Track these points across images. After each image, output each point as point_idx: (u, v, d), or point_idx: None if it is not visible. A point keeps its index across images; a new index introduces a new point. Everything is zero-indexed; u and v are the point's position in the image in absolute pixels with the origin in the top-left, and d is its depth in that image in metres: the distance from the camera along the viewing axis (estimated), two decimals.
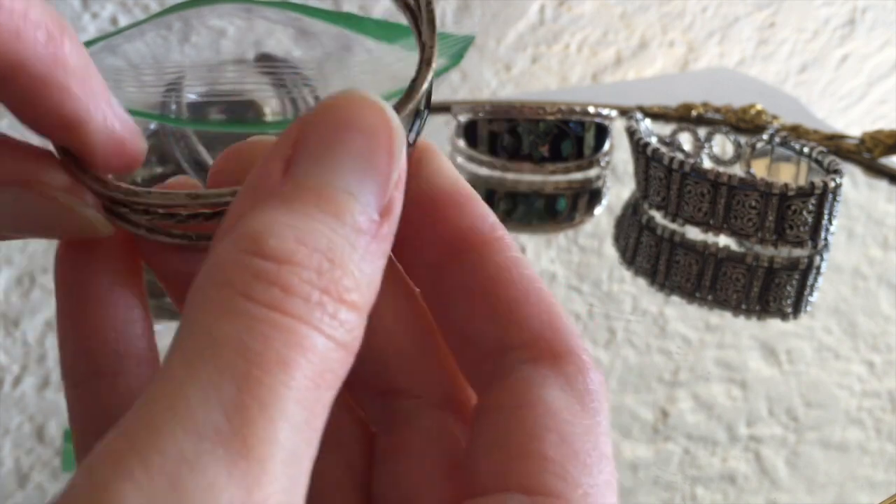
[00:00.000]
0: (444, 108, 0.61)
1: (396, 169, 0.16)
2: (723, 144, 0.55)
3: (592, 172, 0.57)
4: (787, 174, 0.54)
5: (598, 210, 0.57)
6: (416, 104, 0.18)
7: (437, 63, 0.18)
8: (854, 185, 0.58)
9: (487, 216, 0.19)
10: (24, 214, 0.19)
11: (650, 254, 0.52)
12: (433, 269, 0.19)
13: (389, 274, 0.17)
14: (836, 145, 0.60)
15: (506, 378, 0.18)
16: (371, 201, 0.16)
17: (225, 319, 0.14)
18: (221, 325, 0.14)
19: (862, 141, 0.60)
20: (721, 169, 0.51)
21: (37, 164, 0.19)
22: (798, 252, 0.50)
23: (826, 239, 0.49)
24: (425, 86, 0.18)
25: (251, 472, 0.13)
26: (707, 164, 0.54)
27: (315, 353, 0.14)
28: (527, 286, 0.18)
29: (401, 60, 0.44)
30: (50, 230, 0.19)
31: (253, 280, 0.14)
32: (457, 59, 0.45)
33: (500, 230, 0.19)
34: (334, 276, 0.15)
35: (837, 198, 0.48)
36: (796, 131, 0.62)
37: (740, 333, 0.46)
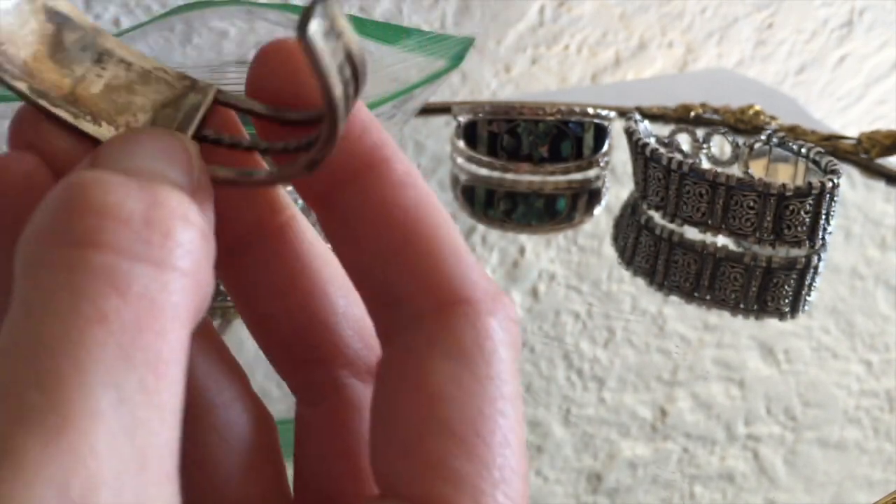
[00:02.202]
0: (444, 109, 0.61)
1: (196, 165, 0.15)
2: (721, 145, 0.55)
3: (592, 173, 0.57)
4: (785, 174, 0.54)
5: (597, 210, 0.57)
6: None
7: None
8: (852, 185, 0.58)
9: (382, 133, 0.16)
10: None
11: (649, 254, 0.52)
12: (325, 193, 0.16)
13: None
14: (833, 146, 0.61)
15: (391, 345, 0.15)
16: (182, 178, 0.14)
17: (36, 272, 0.12)
18: (33, 280, 0.12)
19: (859, 141, 0.61)
20: (719, 169, 0.51)
21: None
22: (796, 252, 0.50)
23: (824, 239, 0.50)
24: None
25: (72, 451, 0.11)
26: (705, 164, 0.54)
27: (138, 293, 0.12)
28: (415, 216, 0.15)
29: (401, 62, 0.44)
30: None
31: (65, 215, 0.12)
32: (457, 60, 0.45)
33: (390, 148, 0.16)
34: (162, 189, 0.13)
35: (835, 198, 0.48)
36: (794, 132, 0.62)
37: (738, 333, 0.46)
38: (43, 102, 0.16)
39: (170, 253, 0.12)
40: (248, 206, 0.17)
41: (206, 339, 0.17)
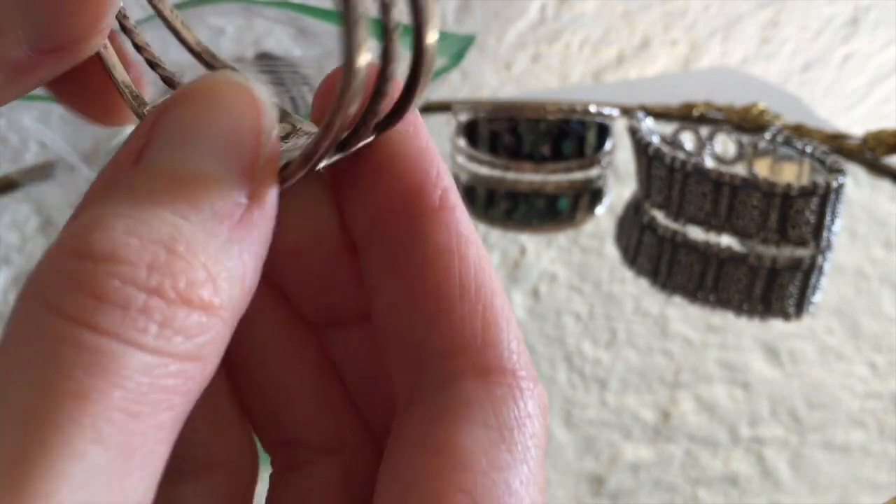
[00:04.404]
0: (445, 108, 0.60)
1: (266, 148, 0.14)
2: (725, 144, 0.55)
3: (594, 172, 0.57)
4: (790, 174, 0.53)
5: (599, 210, 0.56)
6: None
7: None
8: (857, 184, 0.58)
9: (440, 178, 0.16)
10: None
11: (652, 254, 0.52)
12: (366, 232, 0.16)
13: (276, 305, 0.16)
14: (838, 145, 0.60)
15: (422, 399, 0.15)
16: (235, 183, 0.14)
17: (25, 343, 0.12)
18: (20, 350, 0.12)
19: (865, 140, 0.60)
20: (723, 168, 0.51)
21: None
22: (800, 252, 0.50)
23: (828, 239, 0.49)
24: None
25: None
26: (709, 163, 0.54)
27: (128, 377, 0.12)
28: (465, 275, 0.15)
29: (400, 60, 0.44)
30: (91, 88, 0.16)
31: (64, 288, 0.12)
32: (457, 58, 0.45)
33: (453, 198, 0.16)
34: (174, 269, 0.12)
35: (840, 198, 0.48)
36: (799, 131, 0.61)
37: (742, 334, 0.46)
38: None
39: (167, 341, 0.12)
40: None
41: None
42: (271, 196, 0.14)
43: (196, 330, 0.12)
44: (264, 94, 0.14)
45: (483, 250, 0.16)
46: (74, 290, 0.12)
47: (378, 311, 0.16)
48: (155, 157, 0.14)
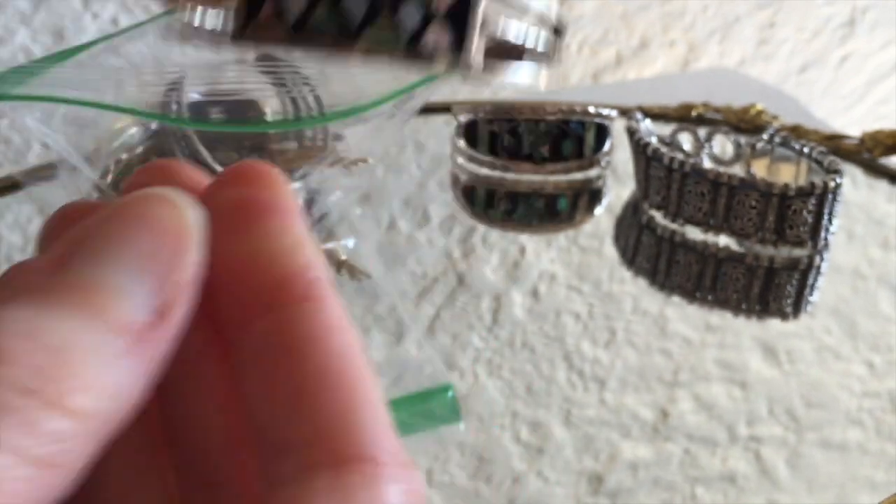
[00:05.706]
0: (445, 109, 0.60)
1: (183, 269, 0.15)
2: (723, 144, 0.55)
3: (593, 172, 0.57)
4: (787, 174, 0.53)
5: (598, 210, 0.57)
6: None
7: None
8: (854, 185, 0.58)
9: (308, 269, 0.16)
10: None
11: (650, 254, 0.52)
12: (247, 317, 0.16)
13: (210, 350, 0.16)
14: (835, 145, 0.60)
15: (276, 495, 0.14)
16: (144, 301, 0.14)
17: None
18: None
19: (862, 141, 0.60)
20: (721, 169, 0.51)
21: None
22: (798, 252, 0.50)
23: (826, 239, 0.49)
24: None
25: None
26: (707, 164, 0.54)
27: None
28: (324, 365, 0.15)
29: None
30: None
31: None
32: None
33: (321, 288, 0.16)
34: (56, 375, 0.13)
35: (837, 198, 0.48)
36: (796, 131, 0.61)
37: (740, 334, 0.46)
38: None
39: (41, 447, 0.13)
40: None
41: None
42: (176, 317, 0.15)
43: (58, 436, 0.13)
44: (195, 213, 0.15)
45: (353, 337, 0.15)
46: None
47: (248, 402, 0.16)
48: (72, 268, 0.14)
